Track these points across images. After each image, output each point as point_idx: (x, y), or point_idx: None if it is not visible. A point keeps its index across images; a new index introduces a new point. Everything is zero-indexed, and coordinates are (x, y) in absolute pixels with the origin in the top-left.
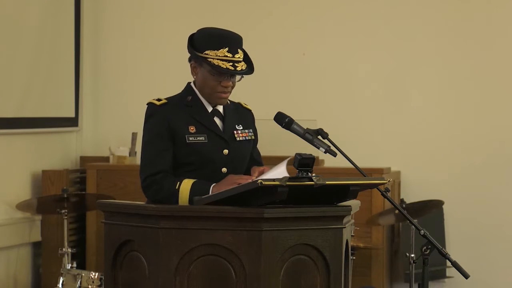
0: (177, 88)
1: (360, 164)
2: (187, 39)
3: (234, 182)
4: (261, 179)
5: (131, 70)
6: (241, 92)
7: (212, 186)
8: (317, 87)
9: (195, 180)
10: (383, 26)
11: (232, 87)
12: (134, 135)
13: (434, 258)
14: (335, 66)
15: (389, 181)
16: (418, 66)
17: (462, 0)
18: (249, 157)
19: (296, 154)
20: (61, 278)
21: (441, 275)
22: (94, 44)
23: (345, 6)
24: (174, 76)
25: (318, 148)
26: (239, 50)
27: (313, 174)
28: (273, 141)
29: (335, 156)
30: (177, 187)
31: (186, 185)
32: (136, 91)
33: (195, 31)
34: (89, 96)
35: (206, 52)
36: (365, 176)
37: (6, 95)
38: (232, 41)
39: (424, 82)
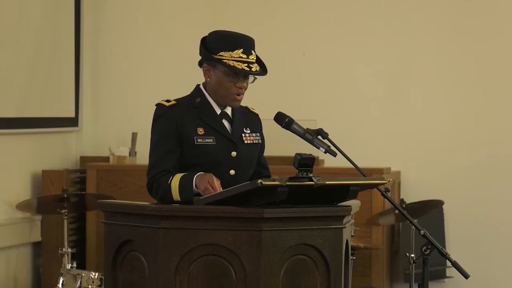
0: (177, 88)
1: (360, 164)
2: (200, 42)
3: (210, 181)
4: (261, 180)
5: (131, 70)
6: None
7: (195, 176)
8: (317, 87)
9: (184, 173)
10: (383, 25)
11: (245, 89)
12: (134, 135)
13: (434, 258)
14: (335, 66)
15: (389, 181)
16: (418, 66)
17: None
18: (257, 162)
19: (296, 154)
20: (61, 278)
21: (441, 275)
22: (94, 44)
23: (345, 6)
24: (174, 76)
25: (318, 148)
26: (252, 51)
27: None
28: (273, 141)
29: (335, 156)
30: (169, 182)
31: (176, 179)
32: (136, 91)
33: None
34: (89, 96)
35: (221, 53)
36: (365, 176)
37: (6, 95)
38: (246, 42)
39: (425, 82)
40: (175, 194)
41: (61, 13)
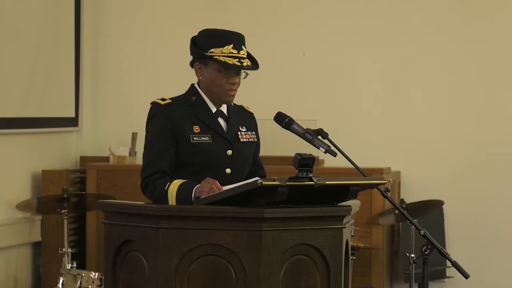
0: (177, 88)
1: (360, 164)
2: (190, 41)
3: (207, 185)
4: (260, 179)
5: (131, 70)
6: (242, 91)
7: (195, 188)
8: (317, 87)
9: (183, 181)
10: (383, 25)
11: (238, 85)
12: (134, 135)
13: (434, 258)
14: (335, 66)
15: (389, 181)
16: (418, 66)
17: None
18: (252, 161)
19: (296, 154)
20: (61, 278)
21: (441, 275)
22: (94, 44)
23: (345, 6)
24: (173, 76)
25: (318, 148)
26: (243, 47)
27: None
28: (273, 141)
29: (335, 156)
30: (166, 188)
31: (173, 187)
32: (136, 91)
33: (194, 31)
34: (89, 96)
35: (212, 50)
36: (365, 176)
37: (6, 95)
38: (235, 38)
39: (425, 82)
40: (172, 202)
41: (61, 14)
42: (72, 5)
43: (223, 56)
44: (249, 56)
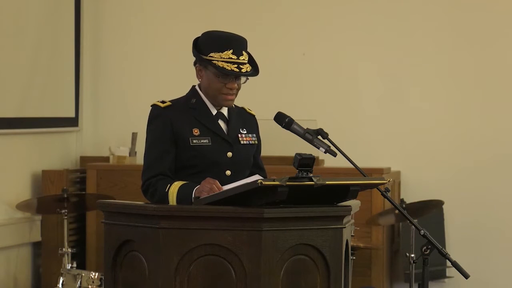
0: (176, 88)
1: (360, 164)
2: (192, 42)
3: (207, 185)
4: (261, 179)
5: (131, 70)
6: (242, 92)
7: (195, 189)
8: (317, 87)
9: (183, 182)
10: (383, 25)
11: (238, 89)
12: (134, 135)
13: (434, 258)
14: (335, 66)
15: (389, 181)
16: (418, 66)
17: None
18: (253, 163)
19: (296, 154)
20: (61, 278)
21: (441, 275)
22: (94, 44)
23: (345, 5)
24: (174, 76)
25: (318, 148)
26: (243, 52)
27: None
28: (273, 141)
29: (335, 156)
30: (167, 190)
31: (174, 188)
32: (136, 92)
33: (194, 31)
34: (89, 96)
35: (211, 54)
36: (365, 176)
37: (6, 95)
38: (236, 43)
39: (425, 82)
40: (172, 203)
41: (61, 13)
42: (72, 5)
43: (222, 61)
44: (251, 61)
